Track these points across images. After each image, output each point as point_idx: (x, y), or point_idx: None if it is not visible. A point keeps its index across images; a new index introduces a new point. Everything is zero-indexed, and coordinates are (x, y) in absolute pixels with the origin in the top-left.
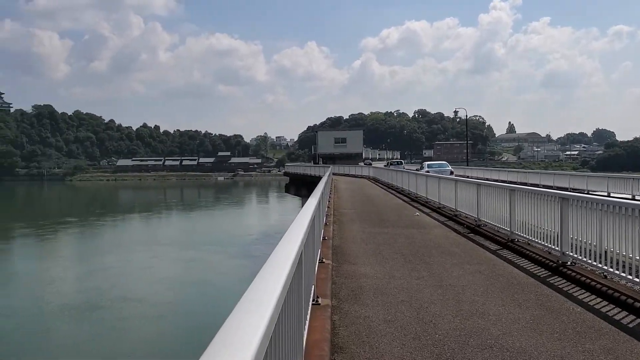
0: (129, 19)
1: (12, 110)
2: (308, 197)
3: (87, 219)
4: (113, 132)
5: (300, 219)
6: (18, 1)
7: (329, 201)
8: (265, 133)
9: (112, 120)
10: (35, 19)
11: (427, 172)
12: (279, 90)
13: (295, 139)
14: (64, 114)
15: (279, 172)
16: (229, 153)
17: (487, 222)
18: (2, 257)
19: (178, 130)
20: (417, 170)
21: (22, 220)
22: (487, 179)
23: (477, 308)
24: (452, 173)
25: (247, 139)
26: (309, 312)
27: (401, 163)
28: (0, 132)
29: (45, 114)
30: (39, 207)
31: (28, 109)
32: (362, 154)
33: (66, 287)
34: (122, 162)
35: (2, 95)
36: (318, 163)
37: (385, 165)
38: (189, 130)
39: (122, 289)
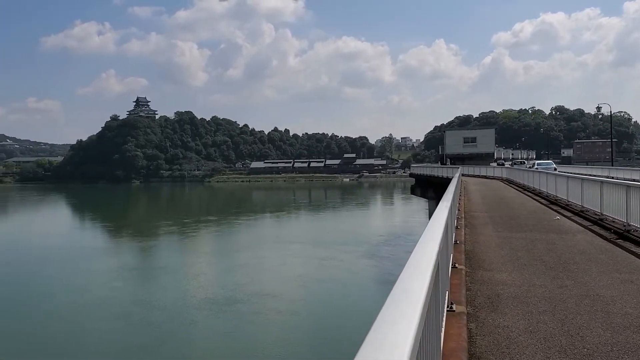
0: (261, 27)
1: (157, 117)
2: (435, 199)
3: (225, 218)
4: (247, 136)
5: (434, 223)
6: (162, 16)
7: (459, 203)
8: (390, 134)
9: (246, 125)
10: (177, 32)
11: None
12: (404, 90)
13: (421, 139)
14: (202, 119)
15: (404, 174)
16: (354, 155)
17: (638, 228)
18: (152, 253)
19: (306, 133)
20: (528, 168)
21: (168, 219)
22: (635, 180)
23: (630, 321)
24: (555, 170)
25: (372, 140)
26: (444, 319)
27: (523, 163)
28: (147, 138)
29: (186, 120)
30: (182, 206)
31: (171, 115)
32: (493, 154)
33: (208, 282)
34: (255, 164)
35: (149, 104)
36: (445, 164)
37: (510, 165)
38: (316, 133)
39: (258, 284)
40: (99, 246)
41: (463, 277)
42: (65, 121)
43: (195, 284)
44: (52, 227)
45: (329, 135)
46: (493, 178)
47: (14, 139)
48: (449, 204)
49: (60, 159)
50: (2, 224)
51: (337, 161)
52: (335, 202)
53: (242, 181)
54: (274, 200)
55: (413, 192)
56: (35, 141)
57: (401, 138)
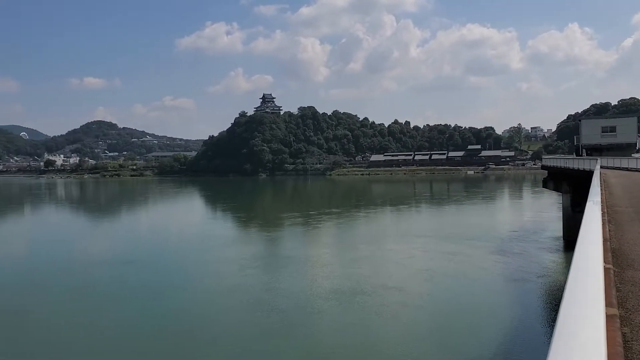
0: (382, 19)
1: (281, 112)
2: (570, 192)
3: (347, 210)
4: (367, 129)
5: (590, 224)
6: (286, 13)
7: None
8: (519, 124)
9: (366, 118)
10: (300, 28)
11: None
12: (534, 77)
13: (553, 129)
14: (324, 114)
15: (534, 166)
16: (479, 146)
17: None
18: (279, 243)
19: (428, 124)
20: None
21: (293, 211)
22: None
23: None
24: None
25: (499, 131)
26: None
27: None
28: (272, 133)
29: (308, 115)
30: (306, 198)
31: (295, 110)
32: (635, 144)
33: (334, 273)
34: (375, 157)
35: (274, 100)
36: (581, 155)
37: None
38: (438, 125)
39: (384, 277)
40: (231, 235)
41: (611, 276)
42: (198, 118)
43: (321, 274)
44: (190, 217)
45: (452, 126)
46: (636, 170)
47: (153, 135)
48: (598, 201)
49: (194, 153)
50: (146, 214)
51: (460, 153)
52: (459, 196)
53: (362, 174)
54: (395, 193)
55: (545, 185)
56: (172, 137)
57: (531, 128)
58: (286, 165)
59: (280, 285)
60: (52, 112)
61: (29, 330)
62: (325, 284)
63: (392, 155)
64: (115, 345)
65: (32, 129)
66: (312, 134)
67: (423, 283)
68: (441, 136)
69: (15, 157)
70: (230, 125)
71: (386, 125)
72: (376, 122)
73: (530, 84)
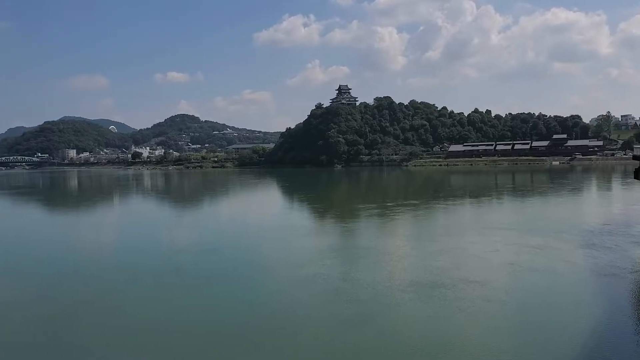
0: (462, 6)
1: (357, 103)
2: None
3: (425, 202)
4: (445, 119)
5: None
6: (362, 3)
7: None
8: (608, 112)
9: (444, 108)
10: (377, 17)
11: None
12: (625, 63)
13: None
14: (400, 103)
15: (624, 156)
16: (564, 135)
17: None
18: (357, 234)
19: (510, 113)
20: None
21: (369, 202)
22: None
23: None
24: None
25: (586, 119)
26: None
27: None
28: (348, 124)
29: (384, 105)
30: (382, 190)
31: (370, 101)
32: None
33: (412, 265)
34: (453, 147)
35: (350, 91)
36: None
37: None
38: (521, 113)
39: (465, 270)
40: (309, 226)
41: None
42: (276, 110)
43: (399, 266)
44: (268, 207)
45: (536, 114)
46: None
47: (233, 128)
48: None
49: (271, 145)
50: (227, 204)
51: (544, 143)
52: (544, 187)
53: (440, 165)
54: (475, 184)
55: (637, 176)
56: (251, 129)
57: (621, 116)
58: (361, 156)
59: (359, 275)
60: (138, 106)
61: (119, 312)
62: (404, 276)
63: (472, 146)
64: (195, 331)
65: (121, 123)
66: (388, 124)
67: (507, 277)
68: (524, 125)
69: (105, 150)
70: (306, 117)
71: (466, 114)
72: (455, 111)
73: (621, 70)
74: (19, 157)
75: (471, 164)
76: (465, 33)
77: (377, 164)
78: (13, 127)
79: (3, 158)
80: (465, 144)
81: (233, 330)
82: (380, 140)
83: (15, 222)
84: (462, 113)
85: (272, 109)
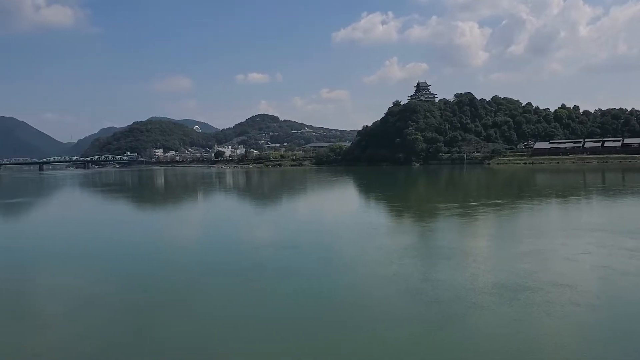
0: None
1: (436, 100)
2: None
3: (508, 201)
4: (530, 115)
5: None
6: None
7: None
8: None
9: (529, 103)
10: (457, 12)
11: None
12: None
13: None
14: (482, 100)
15: None
16: None
17: None
18: (436, 233)
19: (599, 109)
20: None
21: (449, 200)
22: None
23: None
24: None
25: None
26: None
27: None
28: (427, 121)
29: (465, 101)
30: (462, 188)
31: (450, 97)
32: None
33: (496, 266)
34: (538, 145)
35: (429, 87)
36: None
37: None
38: (611, 109)
39: (554, 273)
40: (387, 224)
41: None
42: (353, 109)
43: (482, 267)
44: (346, 205)
45: (628, 110)
46: None
47: (311, 127)
48: None
49: (348, 143)
50: (306, 201)
51: (638, 140)
52: (638, 187)
53: (525, 163)
54: (563, 183)
55: None
56: (328, 128)
57: None
58: (441, 154)
59: (440, 276)
60: (221, 106)
61: (202, 305)
62: (487, 278)
63: (559, 143)
64: (276, 327)
65: (204, 123)
66: (469, 121)
67: (599, 281)
68: (615, 121)
69: (189, 149)
70: (383, 114)
71: (552, 110)
72: (540, 107)
73: None
74: (109, 156)
75: (557, 162)
76: (551, 26)
77: (457, 162)
78: (104, 127)
79: (95, 157)
80: (551, 141)
81: (314, 327)
82: (460, 138)
83: (106, 217)
84: (548, 109)
85: (349, 108)
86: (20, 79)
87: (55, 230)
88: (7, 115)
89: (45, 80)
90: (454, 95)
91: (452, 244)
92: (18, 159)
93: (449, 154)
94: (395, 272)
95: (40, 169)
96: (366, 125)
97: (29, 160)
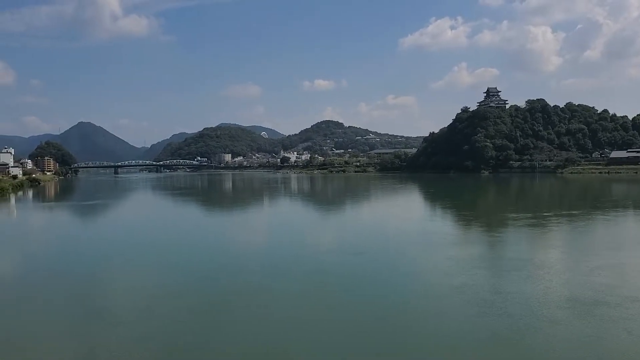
0: (627, 1)
1: (507, 106)
2: None
3: (583, 212)
4: (606, 123)
5: None
6: (513, 3)
7: None
8: None
9: (605, 110)
10: (529, 17)
11: None
12: None
13: None
14: (555, 106)
15: None
16: None
17: None
18: (506, 244)
19: None
20: None
21: (519, 211)
22: None
23: None
24: None
25: None
26: None
27: None
28: (497, 128)
29: (537, 108)
30: (533, 198)
31: (521, 104)
32: None
33: (570, 280)
34: (615, 153)
35: (499, 93)
36: None
37: None
38: None
39: (634, 288)
40: (455, 233)
41: None
42: (419, 115)
43: (555, 280)
44: (412, 213)
45: None
46: None
47: (375, 133)
48: None
49: (414, 150)
50: (370, 208)
51: None
52: None
53: (600, 172)
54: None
55: None
56: (393, 134)
57: None
58: (511, 162)
59: (510, 288)
60: (287, 112)
61: (268, 308)
62: (561, 292)
63: (637, 152)
64: (342, 333)
65: (271, 129)
66: (541, 128)
67: None
68: None
69: (257, 154)
70: (451, 121)
71: (630, 118)
72: (618, 114)
73: None
74: (181, 161)
75: (636, 172)
76: (629, 30)
77: (529, 171)
78: (177, 132)
79: (167, 161)
80: (629, 150)
81: (381, 336)
82: (532, 145)
83: (178, 220)
84: (626, 116)
85: (416, 114)
86: (99, 86)
87: (128, 232)
88: (86, 121)
89: (121, 87)
90: (526, 102)
91: (524, 255)
92: (95, 163)
93: (519, 162)
94: (464, 282)
95: (116, 172)
96: (433, 132)
97: (104, 163)
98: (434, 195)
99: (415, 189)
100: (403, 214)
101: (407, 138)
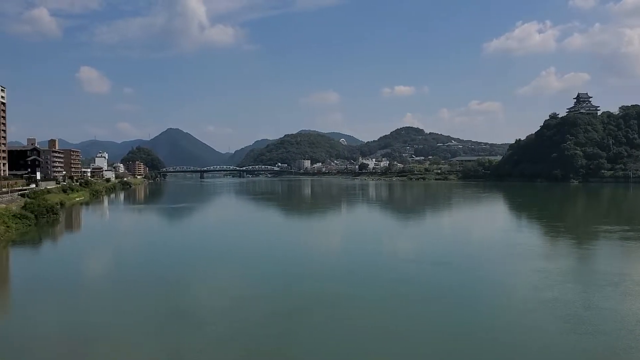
0: None
1: (598, 113)
2: None
3: None
4: None
5: None
6: (606, 4)
7: None
8: None
9: None
10: (624, 18)
11: None
12: None
13: None
14: None
15: None
16: None
17: None
18: (602, 259)
19: None
20: None
21: (611, 223)
22: None
23: None
24: None
25: None
26: None
27: None
28: (587, 136)
29: (632, 115)
30: (626, 210)
31: (615, 110)
32: None
33: None
34: None
35: (590, 99)
36: None
37: None
38: None
39: None
40: (543, 245)
41: None
42: (505, 121)
43: None
44: (497, 223)
45: None
46: None
47: (458, 140)
48: None
49: (498, 157)
50: (452, 217)
51: None
52: None
53: None
54: None
55: None
56: (477, 141)
57: None
58: (602, 171)
59: (604, 304)
60: (366, 119)
61: (349, 315)
62: None
63: None
64: (423, 349)
65: (350, 135)
66: (636, 136)
67: None
68: None
69: (335, 161)
70: (539, 127)
71: None
72: None
73: None
74: (262, 167)
75: None
76: None
77: (622, 181)
78: (259, 139)
79: (249, 167)
80: None
81: (466, 350)
82: (625, 154)
83: (258, 224)
84: None
85: (501, 120)
86: (186, 94)
87: (213, 235)
88: (174, 127)
89: (207, 95)
90: (620, 108)
91: (620, 270)
92: (182, 167)
93: (611, 172)
94: (554, 297)
95: (201, 177)
96: (519, 139)
97: (191, 168)
98: (521, 205)
99: (500, 198)
100: (488, 224)
101: (492, 145)
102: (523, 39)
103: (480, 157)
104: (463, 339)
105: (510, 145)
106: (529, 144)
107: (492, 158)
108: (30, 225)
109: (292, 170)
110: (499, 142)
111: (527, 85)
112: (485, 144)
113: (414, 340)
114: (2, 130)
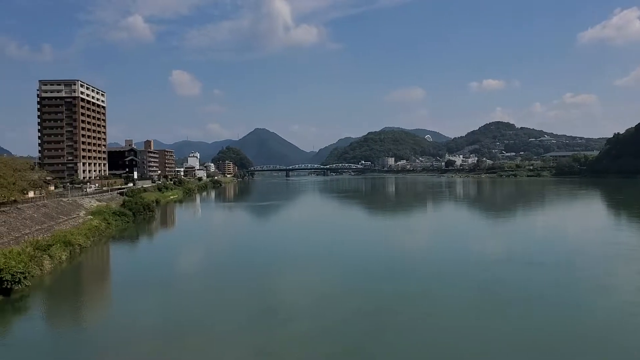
0: None
1: None
2: None
3: None
4: None
5: None
6: None
7: None
8: None
9: None
10: None
11: None
12: None
13: None
14: None
15: None
16: None
17: None
18: None
19: None
20: None
21: None
22: None
23: None
24: None
25: None
26: None
27: None
28: None
29: None
30: None
31: None
32: None
33: None
34: None
35: None
36: None
37: None
38: None
39: None
40: None
41: None
42: (602, 114)
43: None
44: (596, 222)
45: None
46: None
47: (551, 135)
48: None
49: (595, 152)
50: (550, 215)
51: None
52: None
53: None
54: None
55: None
56: (571, 136)
57: None
58: None
59: None
60: (453, 115)
61: (436, 315)
62: None
63: None
64: (517, 355)
65: (435, 132)
66: None
67: None
68: None
69: (420, 158)
70: None
71: None
72: None
73: None
74: (346, 165)
75: None
76: None
77: None
78: (342, 137)
79: (333, 165)
80: None
81: (566, 357)
82: None
83: (343, 222)
84: None
85: (597, 113)
86: (272, 94)
87: (299, 232)
88: (261, 127)
89: (293, 95)
90: None
91: None
92: (269, 166)
93: None
94: None
95: (287, 175)
96: (618, 133)
97: (277, 167)
98: (621, 203)
99: (598, 195)
100: (585, 222)
101: (588, 140)
102: (622, 27)
103: (576, 153)
104: (560, 346)
105: (608, 140)
106: (629, 138)
107: (588, 153)
108: (128, 222)
109: (376, 168)
110: (596, 137)
111: (626, 77)
112: (581, 138)
113: (506, 344)
114: (103, 132)
